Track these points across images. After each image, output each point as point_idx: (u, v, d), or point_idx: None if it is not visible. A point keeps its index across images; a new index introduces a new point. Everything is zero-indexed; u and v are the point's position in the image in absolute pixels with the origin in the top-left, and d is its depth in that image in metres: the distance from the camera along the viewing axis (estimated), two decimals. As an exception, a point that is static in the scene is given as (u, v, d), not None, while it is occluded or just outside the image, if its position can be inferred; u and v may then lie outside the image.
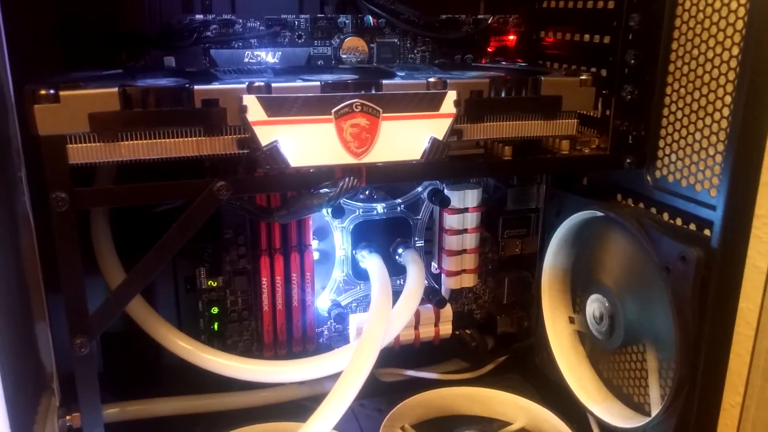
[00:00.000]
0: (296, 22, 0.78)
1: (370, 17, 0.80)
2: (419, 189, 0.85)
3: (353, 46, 0.81)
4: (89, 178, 0.63)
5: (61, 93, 0.51)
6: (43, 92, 0.50)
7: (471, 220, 0.85)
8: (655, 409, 0.69)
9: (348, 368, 0.67)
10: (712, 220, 0.61)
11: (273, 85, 0.56)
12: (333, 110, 0.56)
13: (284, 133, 0.56)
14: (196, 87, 0.54)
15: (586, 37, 0.77)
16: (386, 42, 0.82)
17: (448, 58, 0.85)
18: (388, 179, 0.63)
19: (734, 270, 0.60)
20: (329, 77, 0.60)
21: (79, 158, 0.53)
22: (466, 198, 0.83)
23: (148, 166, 0.56)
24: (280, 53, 0.77)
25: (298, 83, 0.58)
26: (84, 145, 0.53)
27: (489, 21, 0.85)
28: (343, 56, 0.81)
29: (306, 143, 0.56)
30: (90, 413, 0.60)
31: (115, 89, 0.52)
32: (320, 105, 0.56)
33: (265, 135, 0.55)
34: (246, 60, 0.76)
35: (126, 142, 0.53)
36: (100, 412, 0.60)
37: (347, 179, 0.60)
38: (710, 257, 0.61)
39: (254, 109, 0.55)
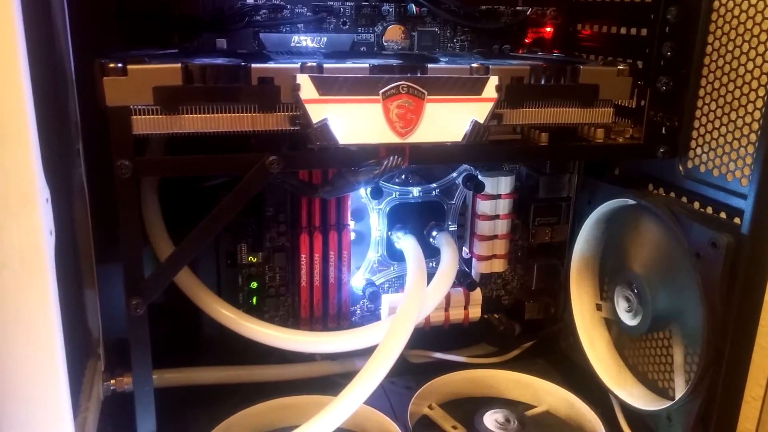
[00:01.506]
0: (342, 9, 0.82)
1: (413, 6, 0.83)
2: (454, 174, 0.87)
3: (395, 33, 0.83)
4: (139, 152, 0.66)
5: (129, 67, 0.54)
6: (112, 65, 0.54)
7: (503, 206, 0.87)
8: (680, 394, 0.71)
9: (384, 341, 0.70)
10: (743, 209, 0.63)
11: (324, 65, 0.58)
12: (380, 91, 0.59)
13: (334, 111, 0.58)
14: (253, 65, 0.58)
15: (623, 29, 0.79)
16: (427, 31, 0.85)
17: (486, 48, 0.88)
18: (430, 160, 0.66)
19: (764, 258, 0.62)
20: (376, 61, 0.63)
21: (143, 129, 0.56)
22: (500, 185, 0.86)
23: (194, 142, 0.59)
24: (325, 39, 0.80)
25: (349, 64, 0.61)
26: (147, 116, 0.56)
27: (527, 13, 0.87)
28: (385, 43, 0.83)
29: (354, 122, 0.59)
30: (141, 372, 0.63)
31: (178, 65, 0.55)
32: (369, 86, 0.59)
33: (316, 112, 0.58)
34: (293, 44, 0.79)
35: (186, 116, 0.57)
36: (150, 371, 0.63)
37: (391, 158, 0.62)
38: (740, 244, 0.62)
39: (307, 88, 0.57)
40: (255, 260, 0.85)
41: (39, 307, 0.50)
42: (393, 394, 0.86)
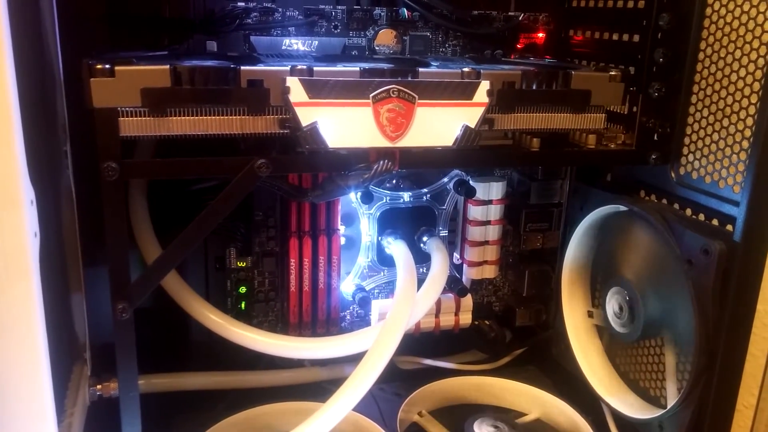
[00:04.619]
0: (333, 13, 0.81)
1: (405, 10, 0.83)
2: (445, 179, 0.87)
3: (387, 37, 0.83)
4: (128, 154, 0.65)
5: (116, 68, 0.53)
6: (99, 66, 0.53)
7: (494, 212, 0.86)
8: (672, 402, 0.71)
9: (373, 347, 0.69)
10: (735, 216, 0.63)
11: (315, 68, 0.58)
12: (371, 95, 0.59)
13: (324, 114, 0.58)
14: (242, 67, 0.57)
15: (615, 35, 0.79)
16: (419, 35, 0.85)
17: (478, 53, 0.87)
18: (421, 164, 0.65)
19: (756, 265, 0.61)
20: (367, 65, 0.63)
21: (130, 131, 0.55)
22: (491, 190, 0.85)
23: (184, 145, 0.58)
24: (316, 42, 0.80)
25: (339, 68, 0.60)
26: (135, 118, 0.55)
27: (519, 18, 0.87)
28: (377, 47, 0.83)
29: (344, 125, 0.59)
30: (127, 377, 0.62)
31: (167, 66, 0.55)
32: (359, 89, 0.59)
33: (305, 116, 0.57)
34: (284, 47, 0.79)
35: (174, 118, 0.56)
36: (136, 376, 0.62)
37: (381, 162, 0.62)
38: (732, 251, 0.62)
39: (296, 91, 0.57)
40: (244, 265, 0.84)
41: (23, 311, 0.49)
42: (382, 401, 0.86)
